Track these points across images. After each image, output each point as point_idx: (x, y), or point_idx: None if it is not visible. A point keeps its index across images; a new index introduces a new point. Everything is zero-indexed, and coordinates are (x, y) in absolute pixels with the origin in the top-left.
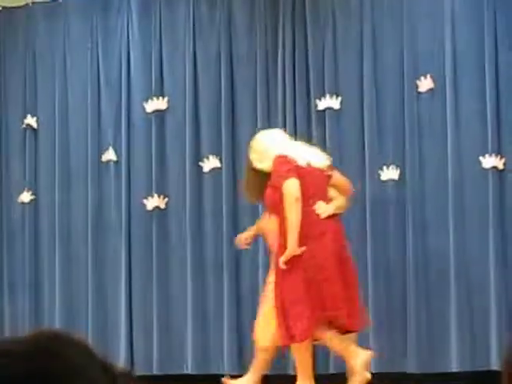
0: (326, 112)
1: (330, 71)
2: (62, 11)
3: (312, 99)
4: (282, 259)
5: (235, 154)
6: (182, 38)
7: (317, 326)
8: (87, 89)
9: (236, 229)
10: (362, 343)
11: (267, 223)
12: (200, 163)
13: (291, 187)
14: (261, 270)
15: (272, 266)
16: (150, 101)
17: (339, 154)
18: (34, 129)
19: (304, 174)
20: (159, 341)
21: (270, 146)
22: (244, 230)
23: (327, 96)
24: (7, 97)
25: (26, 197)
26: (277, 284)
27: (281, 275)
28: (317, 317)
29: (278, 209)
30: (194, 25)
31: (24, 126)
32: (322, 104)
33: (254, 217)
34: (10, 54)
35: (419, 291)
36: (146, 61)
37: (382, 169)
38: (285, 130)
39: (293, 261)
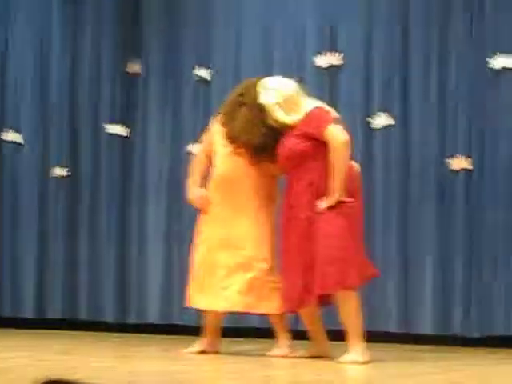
0: (501, 72)
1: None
2: None
3: (486, 58)
4: (329, 202)
5: (408, 111)
6: None
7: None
8: (260, 40)
9: (406, 185)
10: None
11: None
12: (371, 119)
13: (340, 131)
14: None
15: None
16: (322, 55)
17: None
18: (206, 80)
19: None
20: None
21: (298, 99)
22: (413, 186)
23: (503, 55)
24: (180, 49)
25: (196, 149)
26: (326, 230)
27: (326, 220)
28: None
29: (307, 159)
30: None
31: (197, 78)
32: (497, 63)
33: (422, 175)
34: (184, 4)
35: None
36: (319, 15)
37: None
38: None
39: (335, 208)
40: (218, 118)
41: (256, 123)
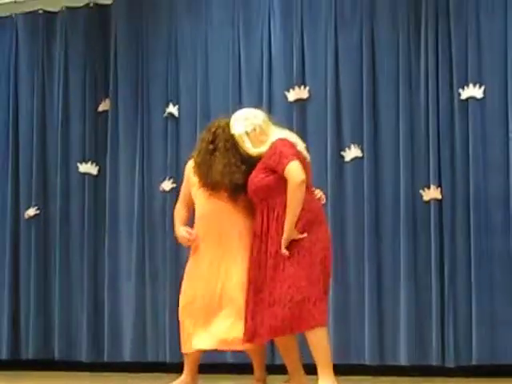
0: (469, 101)
1: (473, 61)
2: (204, 0)
3: (455, 88)
4: (283, 244)
5: (377, 143)
6: (323, 27)
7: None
8: (228, 77)
9: (377, 218)
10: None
11: (219, 208)
12: (341, 152)
13: (297, 170)
14: None
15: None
16: (291, 90)
17: (482, 144)
18: (175, 117)
19: (302, 159)
20: None
21: (267, 129)
22: (385, 219)
23: (470, 85)
24: (150, 86)
25: (167, 185)
26: (288, 272)
27: (288, 260)
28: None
29: (271, 192)
30: (335, 16)
31: (166, 114)
32: (465, 93)
33: (394, 206)
34: (153, 42)
35: None
36: (287, 50)
37: None
38: (428, 118)
39: (296, 245)
40: (192, 165)
41: (234, 163)
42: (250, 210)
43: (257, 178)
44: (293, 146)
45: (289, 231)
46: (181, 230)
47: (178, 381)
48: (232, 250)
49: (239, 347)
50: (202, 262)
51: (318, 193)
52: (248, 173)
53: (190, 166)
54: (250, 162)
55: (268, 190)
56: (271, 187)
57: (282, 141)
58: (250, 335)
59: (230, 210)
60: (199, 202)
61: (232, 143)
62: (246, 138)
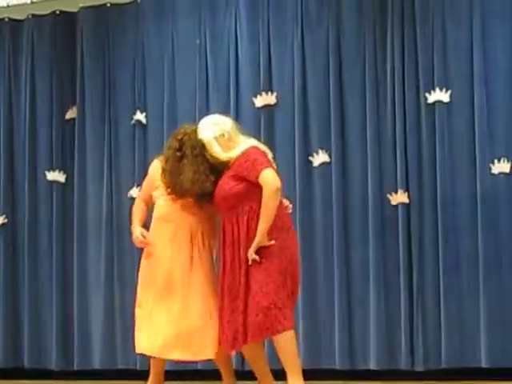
0: (436, 105)
1: (440, 65)
2: (170, 9)
3: (421, 93)
4: (252, 249)
5: (345, 148)
6: (290, 33)
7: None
8: (195, 84)
9: (346, 223)
10: None
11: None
12: (309, 158)
13: (273, 177)
14: None
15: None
16: (258, 96)
17: (449, 148)
18: (143, 124)
19: (274, 168)
20: None
21: (235, 136)
22: (353, 223)
23: (437, 89)
24: (117, 93)
25: (135, 192)
26: (253, 276)
27: (255, 267)
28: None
29: (241, 200)
30: (302, 21)
31: (133, 121)
32: (432, 97)
33: (362, 211)
34: (120, 50)
35: None
36: (254, 56)
37: (492, 162)
38: (394, 123)
39: (265, 251)
40: (158, 168)
41: (203, 171)
42: (214, 219)
43: (228, 185)
44: (265, 154)
45: (261, 237)
46: (137, 230)
47: None
48: (189, 255)
49: (209, 356)
50: (157, 266)
51: (285, 202)
52: (215, 182)
53: (156, 166)
54: (217, 171)
55: (239, 197)
56: (242, 195)
57: (254, 148)
58: (230, 343)
59: (194, 215)
60: (160, 204)
61: (199, 150)
62: (214, 143)
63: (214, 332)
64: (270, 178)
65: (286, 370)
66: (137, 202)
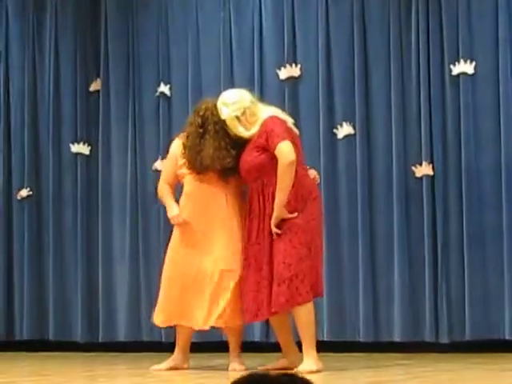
0: (460, 77)
1: (464, 37)
2: None
3: (446, 64)
4: (273, 223)
5: (369, 120)
6: (314, 5)
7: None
8: (220, 56)
9: (371, 195)
10: None
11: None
12: (334, 130)
13: (287, 150)
14: None
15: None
16: (283, 68)
17: (473, 120)
18: (167, 96)
19: (293, 136)
20: None
21: (255, 109)
22: (378, 196)
23: (461, 61)
24: (141, 66)
25: (159, 165)
26: (279, 249)
27: (280, 238)
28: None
29: (265, 170)
30: None
31: (158, 93)
32: (456, 69)
33: (386, 183)
34: (144, 23)
35: None
36: (278, 28)
37: None
38: (419, 95)
39: (288, 222)
40: (178, 143)
41: (224, 147)
42: (241, 191)
43: (250, 156)
44: (283, 122)
45: (278, 211)
46: (175, 210)
47: (169, 360)
48: (218, 229)
49: (231, 324)
50: (189, 239)
51: (313, 173)
52: (238, 156)
53: (178, 145)
54: (240, 144)
55: (262, 168)
56: (265, 165)
57: (272, 118)
58: (253, 313)
59: (219, 191)
60: (188, 181)
61: (221, 126)
62: (237, 123)
63: (237, 302)
64: (284, 152)
65: (302, 341)
66: (161, 184)
